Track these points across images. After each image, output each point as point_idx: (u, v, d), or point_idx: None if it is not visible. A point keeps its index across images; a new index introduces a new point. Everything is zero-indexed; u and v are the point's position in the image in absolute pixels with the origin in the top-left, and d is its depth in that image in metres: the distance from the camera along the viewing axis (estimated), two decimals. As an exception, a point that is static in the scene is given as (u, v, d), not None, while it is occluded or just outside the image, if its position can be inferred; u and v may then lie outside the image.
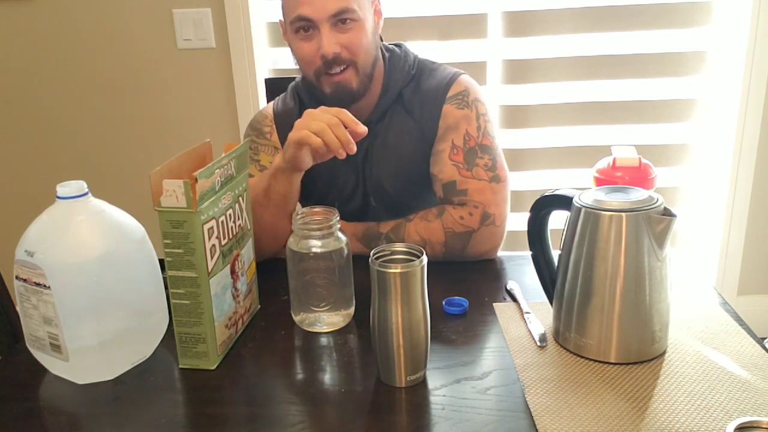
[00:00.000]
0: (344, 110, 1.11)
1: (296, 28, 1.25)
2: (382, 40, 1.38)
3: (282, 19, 1.31)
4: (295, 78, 1.47)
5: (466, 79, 1.35)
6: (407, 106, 1.34)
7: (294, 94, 1.42)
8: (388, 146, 1.35)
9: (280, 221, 1.23)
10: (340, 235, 1.03)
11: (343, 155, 1.10)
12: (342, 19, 1.23)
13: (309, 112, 1.12)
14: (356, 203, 1.40)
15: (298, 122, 1.12)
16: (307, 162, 1.17)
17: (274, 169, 1.21)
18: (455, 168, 1.28)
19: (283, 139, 1.37)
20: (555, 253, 1.02)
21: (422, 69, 1.37)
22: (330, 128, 1.08)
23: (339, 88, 1.28)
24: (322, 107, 1.14)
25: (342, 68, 1.26)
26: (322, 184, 1.39)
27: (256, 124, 1.42)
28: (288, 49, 2.24)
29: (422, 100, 1.33)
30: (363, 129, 1.10)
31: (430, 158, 1.32)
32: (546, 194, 1.01)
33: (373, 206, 1.40)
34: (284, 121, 1.38)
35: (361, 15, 1.25)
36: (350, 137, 1.09)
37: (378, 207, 1.39)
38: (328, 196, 1.40)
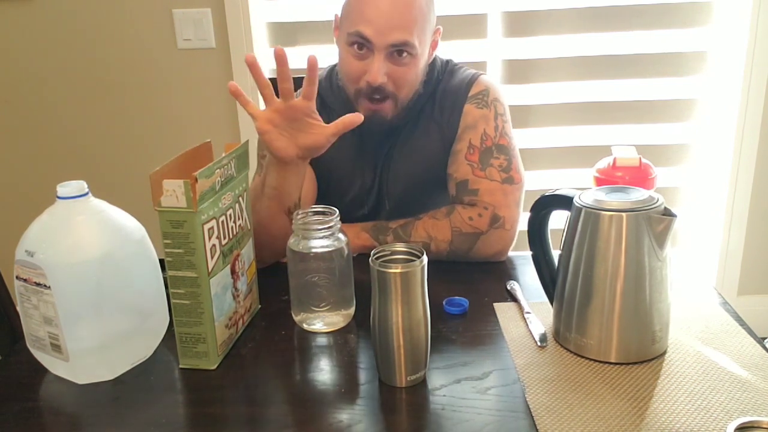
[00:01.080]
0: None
1: (351, 42, 1.23)
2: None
3: (338, 15, 1.29)
4: (299, 76, 1.46)
5: (486, 79, 1.35)
6: (429, 108, 1.34)
7: None
8: (409, 148, 1.34)
9: (276, 215, 1.20)
10: (340, 235, 1.03)
11: None
12: (399, 50, 1.21)
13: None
14: (370, 204, 1.40)
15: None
16: (284, 149, 1.10)
17: (267, 161, 1.20)
18: (469, 167, 1.28)
19: None
20: (555, 253, 1.02)
21: (444, 71, 1.37)
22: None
23: (374, 116, 1.26)
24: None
25: (382, 97, 1.25)
26: (339, 183, 1.39)
27: None
28: (288, 50, 2.24)
29: (443, 100, 1.33)
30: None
31: (449, 158, 1.32)
32: (546, 194, 1.01)
33: (387, 209, 1.39)
34: None
35: (419, 51, 1.23)
36: None
37: (392, 209, 1.38)
38: (346, 196, 1.39)
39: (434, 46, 1.31)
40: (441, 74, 1.36)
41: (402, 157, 1.35)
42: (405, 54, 1.22)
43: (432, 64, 1.35)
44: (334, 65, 1.40)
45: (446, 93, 1.33)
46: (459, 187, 1.28)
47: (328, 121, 1.36)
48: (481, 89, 1.32)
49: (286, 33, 2.18)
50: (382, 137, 1.35)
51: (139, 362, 0.98)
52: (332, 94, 1.35)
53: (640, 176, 1.19)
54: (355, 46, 1.22)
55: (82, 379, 0.94)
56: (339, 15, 1.29)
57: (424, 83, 1.32)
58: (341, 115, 1.34)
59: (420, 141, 1.34)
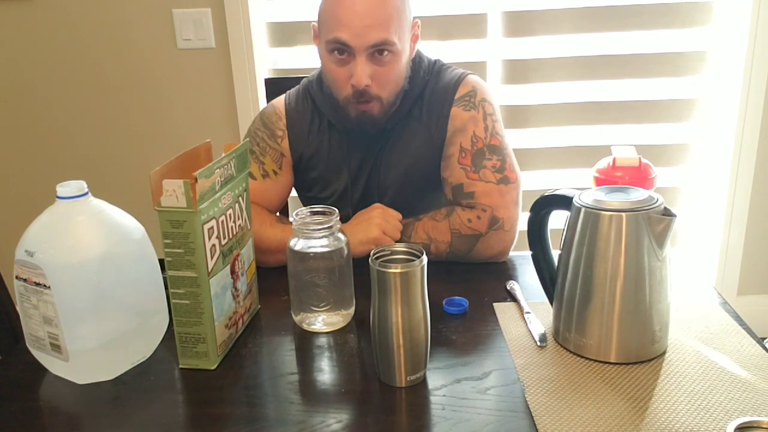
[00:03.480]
0: (398, 216, 1.25)
1: (331, 49, 1.22)
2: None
3: (316, 24, 1.28)
4: (298, 76, 1.46)
5: (473, 79, 1.34)
6: (417, 111, 1.33)
7: (306, 95, 1.38)
8: (398, 151, 1.34)
9: None
10: (340, 235, 1.03)
11: None
12: (380, 50, 1.20)
13: (383, 216, 1.22)
14: (353, 205, 1.39)
15: (377, 222, 1.21)
16: None
17: None
18: (463, 171, 1.27)
19: (293, 142, 1.36)
20: (555, 253, 1.02)
21: (432, 71, 1.35)
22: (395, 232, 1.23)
23: (363, 116, 1.26)
24: (381, 208, 1.24)
25: (367, 99, 1.24)
26: (330, 187, 1.39)
27: (270, 123, 1.38)
28: (288, 50, 2.25)
29: (430, 103, 1.32)
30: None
31: (441, 162, 1.31)
32: (546, 194, 1.01)
33: None
34: (296, 126, 1.36)
35: (399, 47, 1.22)
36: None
37: None
38: (338, 200, 1.39)
39: (415, 40, 1.30)
40: (428, 74, 1.34)
41: (391, 159, 1.34)
42: (386, 53, 1.21)
43: (419, 64, 1.33)
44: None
45: (434, 95, 1.32)
46: (455, 191, 1.28)
47: (319, 124, 1.36)
48: (468, 90, 1.31)
49: (285, 33, 2.18)
50: (372, 140, 1.34)
51: (139, 362, 0.98)
52: (322, 98, 1.35)
53: (639, 176, 1.18)
54: (336, 52, 1.22)
55: (82, 379, 0.94)
56: (316, 24, 1.28)
57: (411, 81, 1.31)
58: (332, 120, 1.34)
59: (409, 144, 1.33)
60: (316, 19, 1.27)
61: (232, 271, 1.00)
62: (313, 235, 1.01)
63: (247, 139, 1.38)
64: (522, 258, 1.27)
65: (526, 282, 1.17)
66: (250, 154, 1.37)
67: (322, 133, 1.36)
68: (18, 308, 0.95)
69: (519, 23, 2.12)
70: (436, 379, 0.91)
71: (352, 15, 1.17)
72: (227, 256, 0.98)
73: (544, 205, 1.01)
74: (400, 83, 1.28)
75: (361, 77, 1.20)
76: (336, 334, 1.04)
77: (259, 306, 1.13)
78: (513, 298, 1.12)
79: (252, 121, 1.42)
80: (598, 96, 2.19)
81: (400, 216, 1.25)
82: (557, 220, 1.00)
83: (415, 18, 1.29)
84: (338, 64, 1.23)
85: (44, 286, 0.89)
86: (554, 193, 0.99)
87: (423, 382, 0.91)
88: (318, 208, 1.05)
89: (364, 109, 1.25)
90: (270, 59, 2.22)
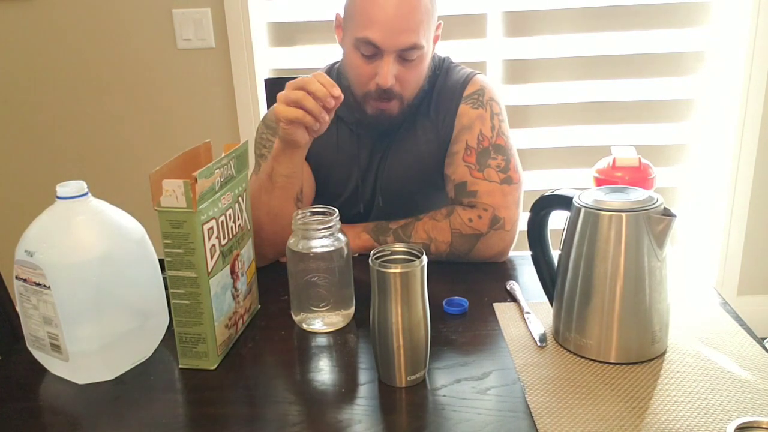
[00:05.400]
0: (322, 74, 1.11)
1: (358, 46, 1.22)
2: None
3: (341, 15, 1.28)
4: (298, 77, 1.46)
5: (481, 78, 1.34)
6: (425, 107, 1.34)
7: None
8: (405, 146, 1.35)
9: (286, 205, 1.21)
10: (340, 235, 1.03)
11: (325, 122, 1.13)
12: (408, 52, 1.21)
13: (288, 86, 1.11)
14: (364, 201, 1.39)
15: (278, 95, 1.12)
16: (301, 135, 1.14)
17: (275, 151, 1.20)
18: (467, 169, 1.27)
19: None
20: (555, 253, 1.02)
21: (441, 68, 1.36)
22: (305, 99, 1.09)
23: (381, 114, 1.27)
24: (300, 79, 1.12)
25: (389, 98, 1.25)
26: (337, 181, 1.38)
27: (269, 121, 1.38)
28: (288, 50, 2.25)
29: (438, 100, 1.33)
30: (338, 93, 1.10)
31: (446, 159, 1.32)
32: (546, 194, 1.01)
33: (380, 206, 1.39)
34: None
35: (426, 49, 1.23)
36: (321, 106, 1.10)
37: (385, 207, 1.38)
38: (342, 194, 1.39)
39: (436, 40, 1.31)
40: (438, 70, 1.35)
41: (397, 155, 1.35)
42: (414, 55, 1.22)
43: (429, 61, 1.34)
44: (333, 64, 1.39)
45: (442, 92, 1.33)
46: (458, 189, 1.28)
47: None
48: (476, 89, 1.32)
49: (286, 33, 2.18)
50: (380, 134, 1.35)
51: (139, 362, 0.98)
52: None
53: (639, 176, 1.19)
54: (363, 49, 1.22)
55: (81, 379, 0.94)
56: (341, 14, 1.29)
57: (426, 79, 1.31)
58: (342, 116, 1.35)
59: (415, 140, 1.34)
60: (343, 8, 1.27)
61: (232, 271, 1.00)
62: (313, 235, 1.01)
63: (247, 139, 1.37)
64: (522, 258, 1.27)
65: (526, 282, 1.17)
66: (258, 158, 1.37)
67: (329, 128, 1.36)
68: (18, 308, 0.95)
69: (519, 23, 2.12)
70: (436, 379, 0.91)
71: (385, 17, 1.18)
72: (227, 256, 0.98)
73: (544, 205, 1.01)
74: (420, 82, 1.29)
75: (387, 77, 1.21)
76: (336, 334, 1.04)
77: (259, 306, 1.13)
78: (513, 298, 1.12)
79: (256, 130, 1.43)
80: (598, 96, 2.19)
81: (321, 75, 1.12)
82: (557, 220, 1.00)
83: (439, 20, 1.30)
84: (364, 61, 1.23)
85: (44, 286, 0.89)
86: (554, 193, 0.99)
87: (423, 382, 0.91)
88: (318, 208, 1.05)
89: (384, 107, 1.26)
90: (270, 59, 2.22)
